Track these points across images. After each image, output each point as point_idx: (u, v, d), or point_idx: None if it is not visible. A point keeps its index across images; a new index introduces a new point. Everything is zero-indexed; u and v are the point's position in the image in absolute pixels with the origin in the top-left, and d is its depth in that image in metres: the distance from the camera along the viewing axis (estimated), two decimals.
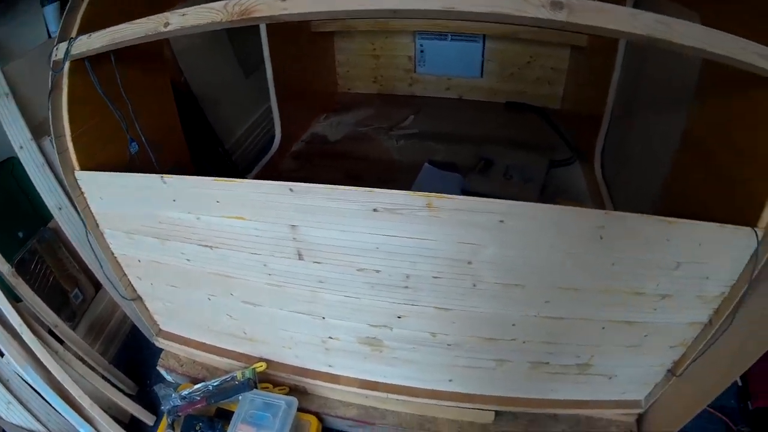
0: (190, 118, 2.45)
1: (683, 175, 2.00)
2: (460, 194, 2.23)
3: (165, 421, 2.02)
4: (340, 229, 1.62)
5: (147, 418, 2.24)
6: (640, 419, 2.12)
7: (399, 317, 1.80)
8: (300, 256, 1.71)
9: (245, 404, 1.98)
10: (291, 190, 1.56)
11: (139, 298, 2.06)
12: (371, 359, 1.96)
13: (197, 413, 2.04)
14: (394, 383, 2.04)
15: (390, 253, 1.62)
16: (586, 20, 1.25)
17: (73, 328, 2.27)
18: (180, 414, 2.02)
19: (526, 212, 1.50)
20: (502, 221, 1.49)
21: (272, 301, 1.90)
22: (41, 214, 2.21)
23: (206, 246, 1.78)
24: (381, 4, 1.30)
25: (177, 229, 1.77)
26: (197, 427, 1.98)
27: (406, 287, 1.70)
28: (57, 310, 2.16)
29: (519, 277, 1.63)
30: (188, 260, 1.85)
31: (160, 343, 2.18)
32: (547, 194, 2.35)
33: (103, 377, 2.22)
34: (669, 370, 1.92)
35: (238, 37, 2.50)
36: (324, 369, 2.06)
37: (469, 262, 1.60)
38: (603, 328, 1.75)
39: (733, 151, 1.70)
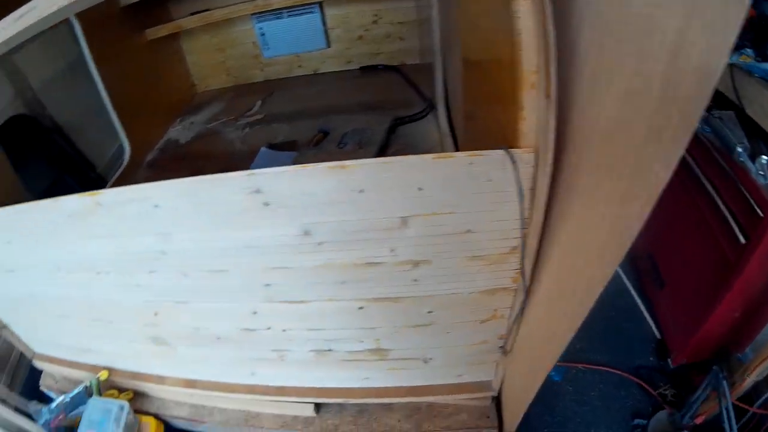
0: (58, 151, 2.15)
1: (470, 101, 1.44)
2: None
3: None
4: (62, 238, 1.25)
5: None
6: (498, 402, 1.53)
7: (156, 314, 1.39)
8: (59, 269, 1.35)
9: (88, 411, 1.67)
10: (16, 212, 1.22)
11: (6, 326, 1.78)
12: (175, 359, 1.58)
13: (66, 424, 1.72)
14: (209, 380, 1.62)
15: (101, 253, 1.24)
16: None
17: None
18: (53, 427, 1.71)
19: (161, 192, 1.06)
20: (157, 206, 1.07)
21: (71, 311, 1.54)
22: None
23: (11, 271, 1.45)
24: None
25: None
26: None
27: (138, 285, 1.30)
28: None
29: (213, 262, 1.17)
30: (8, 286, 1.53)
31: (38, 364, 1.91)
32: (390, 155, 1.74)
33: (14, 407, 1.94)
34: (501, 347, 1.34)
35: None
36: (149, 371, 1.71)
37: (163, 252, 1.17)
38: (360, 308, 1.23)
39: (490, 56, 1.10)
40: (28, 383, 2.15)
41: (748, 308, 1.57)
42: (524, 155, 0.91)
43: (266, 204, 1.01)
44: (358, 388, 1.48)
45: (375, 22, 2.33)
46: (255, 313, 1.27)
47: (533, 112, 0.88)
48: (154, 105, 2.15)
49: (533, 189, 0.95)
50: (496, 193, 0.97)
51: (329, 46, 2.43)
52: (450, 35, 1.75)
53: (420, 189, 0.97)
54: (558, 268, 1.06)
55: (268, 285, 1.18)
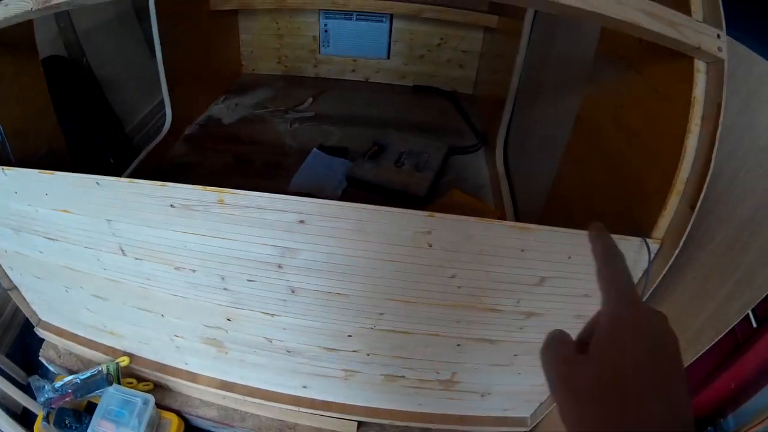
0: (90, 103, 2.01)
1: (575, 166, 1.49)
2: (344, 181, 1.75)
3: (41, 413, 1.61)
4: (147, 225, 1.17)
5: (36, 409, 1.79)
6: None
7: (228, 320, 1.35)
8: (123, 252, 1.27)
9: (106, 400, 1.56)
10: (98, 183, 1.14)
11: (15, 287, 1.63)
12: (221, 360, 1.52)
13: (69, 406, 1.61)
14: (250, 385, 1.58)
15: (199, 252, 1.17)
16: None
17: None
18: (54, 406, 1.59)
19: (328, 211, 1.02)
20: (302, 221, 1.03)
21: (115, 296, 1.45)
22: None
23: (50, 239, 1.34)
24: None
25: (24, 220, 1.34)
26: (66, 422, 1.57)
27: (225, 289, 1.25)
28: None
29: (339, 285, 1.15)
30: (41, 252, 1.41)
31: (41, 333, 1.76)
32: (443, 183, 1.82)
33: None
34: None
35: (148, 16, 2.03)
36: (181, 366, 1.62)
37: (280, 266, 1.13)
38: (458, 345, 1.27)
39: (627, 138, 1.21)
40: (17, 345, 1.98)
41: (742, 384, 1.82)
42: (653, 245, 1.02)
43: (430, 245, 1.03)
44: (410, 411, 1.51)
45: (439, 45, 2.36)
46: (350, 336, 1.25)
47: (671, 214, 1.01)
48: (201, 77, 2.03)
49: (647, 272, 1.09)
50: None
51: (388, 58, 2.44)
52: (538, 86, 1.84)
53: (569, 257, 1.03)
54: None
55: (381, 313, 1.17)
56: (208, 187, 1.05)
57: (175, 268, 1.24)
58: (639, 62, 1.18)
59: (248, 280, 1.19)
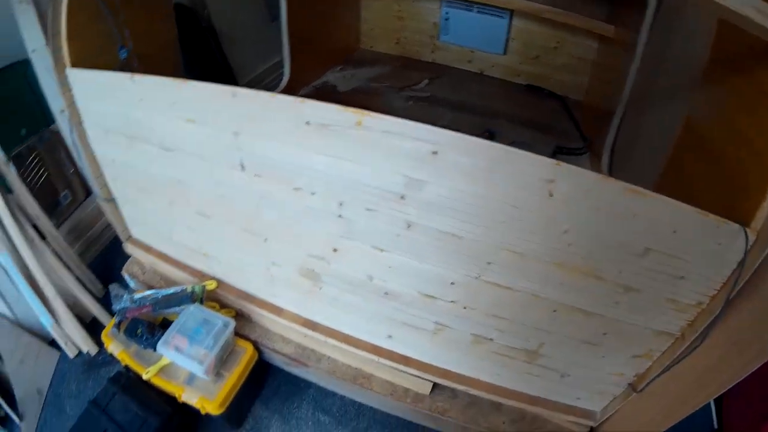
0: (207, 52, 2.21)
1: (679, 166, 1.60)
2: None
3: (113, 320, 1.79)
4: (277, 140, 1.32)
5: (105, 320, 1.99)
6: None
7: (335, 250, 1.48)
8: (243, 167, 1.42)
9: (185, 316, 1.74)
10: (233, 95, 1.29)
11: (113, 200, 1.84)
12: (312, 296, 1.66)
13: (143, 318, 1.78)
14: (334, 327, 1.71)
15: (323, 173, 1.31)
16: None
17: (57, 226, 2.10)
18: (128, 316, 1.77)
19: (462, 146, 1.13)
20: (435, 152, 1.15)
21: (221, 214, 1.62)
22: (47, 116, 2.05)
23: (166, 149, 1.52)
24: None
25: (142, 129, 1.53)
26: (138, 331, 1.74)
27: (341, 216, 1.38)
28: (46, 208, 2.00)
29: (456, 225, 1.26)
30: (152, 163, 1.60)
31: (129, 249, 1.95)
32: None
33: (76, 276, 2.02)
34: (630, 384, 1.48)
35: None
36: (269, 299, 1.78)
37: (402, 197, 1.25)
38: (554, 310, 1.35)
39: (733, 138, 1.32)
40: (99, 260, 2.18)
41: None
42: (751, 234, 1.10)
43: (551, 194, 1.12)
44: (485, 381, 1.59)
45: (555, 48, 2.52)
46: (453, 283, 1.36)
47: None
48: (321, 44, 2.24)
49: (742, 262, 1.13)
50: (717, 255, 1.13)
51: (504, 54, 2.61)
52: (649, 96, 1.95)
53: (674, 231, 1.11)
54: (736, 327, 1.25)
55: (490, 263, 1.27)
56: (348, 108, 1.16)
57: (293, 189, 1.36)
58: (750, 68, 1.27)
59: (366, 209, 1.31)
